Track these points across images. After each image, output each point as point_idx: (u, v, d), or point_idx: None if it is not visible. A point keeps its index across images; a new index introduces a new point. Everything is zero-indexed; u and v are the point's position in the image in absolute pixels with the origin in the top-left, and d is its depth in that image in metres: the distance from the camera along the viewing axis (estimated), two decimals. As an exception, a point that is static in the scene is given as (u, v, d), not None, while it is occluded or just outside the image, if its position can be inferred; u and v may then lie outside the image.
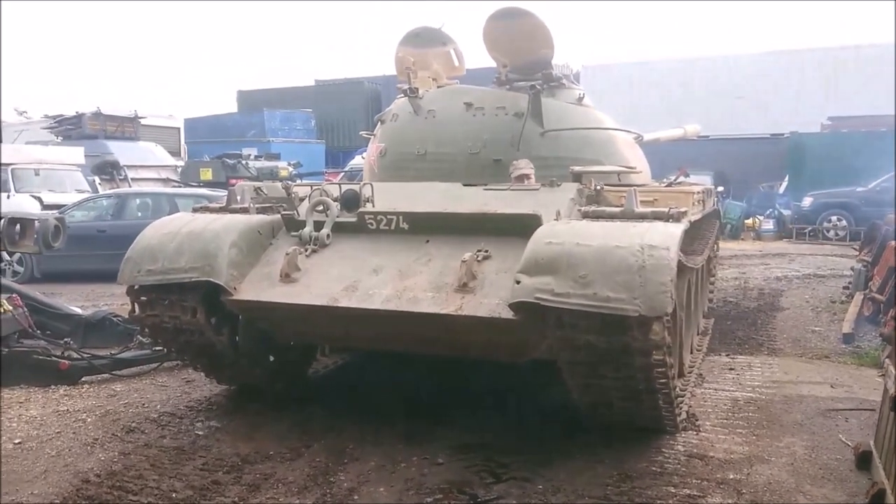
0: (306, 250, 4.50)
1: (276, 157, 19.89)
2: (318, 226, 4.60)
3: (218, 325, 4.65)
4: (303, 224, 4.62)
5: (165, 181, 17.74)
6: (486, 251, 4.14)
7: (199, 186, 15.22)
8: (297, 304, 4.27)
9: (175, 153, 21.30)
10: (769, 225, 18.36)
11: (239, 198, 5.25)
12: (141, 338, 6.24)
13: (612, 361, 3.77)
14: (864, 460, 4.00)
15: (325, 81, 31.62)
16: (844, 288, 9.40)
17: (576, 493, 3.74)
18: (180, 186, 15.87)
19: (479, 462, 4.15)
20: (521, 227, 4.10)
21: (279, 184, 5.64)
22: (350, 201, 4.69)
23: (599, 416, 4.31)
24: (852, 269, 9.64)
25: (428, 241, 4.38)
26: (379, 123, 6.43)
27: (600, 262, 3.61)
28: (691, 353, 6.04)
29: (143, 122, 20.52)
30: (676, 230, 3.87)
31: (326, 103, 28.15)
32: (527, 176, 5.21)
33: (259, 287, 4.41)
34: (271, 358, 5.22)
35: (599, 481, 3.87)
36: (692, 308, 6.01)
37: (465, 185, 5.03)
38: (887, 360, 4.20)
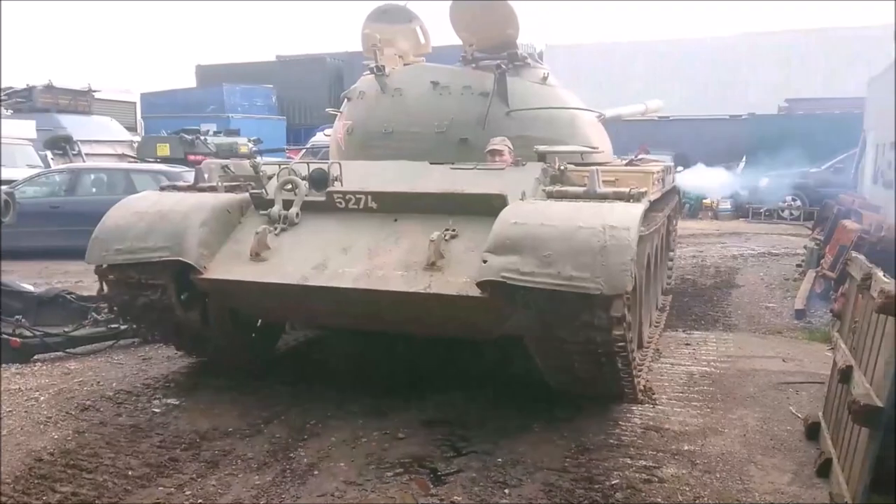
0: (276, 229, 4.54)
1: (236, 133, 19.55)
2: (287, 204, 4.62)
3: (188, 302, 4.67)
4: (272, 203, 4.64)
5: (121, 157, 17.31)
6: (454, 230, 4.22)
7: (157, 162, 14.88)
8: (268, 282, 4.30)
9: (131, 128, 20.77)
10: (726, 205, 18.65)
11: (206, 176, 5.27)
12: (95, 315, 6.12)
13: (576, 336, 3.86)
14: (813, 431, 4.13)
15: (286, 57, 31.10)
16: (797, 266, 9.63)
17: (535, 466, 3.79)
18: (136, 162, 15.50)
19: (441, 436, 4.19)
20: (487, 206, 4.19)
21: (247, 162, 5.64)
22: (318, 180, 4.72)
23: (564, 387, 4.45)
24: (805, 247, 9.88)
25: (396, 220, 4.44)
26: (346, 101, 6.41)
27: (564, 243, 3.72)
28: (650, 326, 6.20)
29: (97, 95, 19.92)
30: (636, 211, 3.99)
31: (288, 79, 27.69)
32: (499, 152, 5.27)
33: (229, 265, 4.44)
34: (242, 333, 5.24)
35: (558, 453, 3.93)
36: (651, 282, 6.15)
37: (431, 163, 5.08)
38: (836, 335, 4.32)
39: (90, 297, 6.67)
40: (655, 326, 6.44)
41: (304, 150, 14.23)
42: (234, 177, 5.36)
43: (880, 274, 3.36)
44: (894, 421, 3.17)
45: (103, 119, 19.14)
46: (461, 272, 4.01)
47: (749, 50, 24.53)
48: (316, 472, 3.74)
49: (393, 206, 4.50)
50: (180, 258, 4.35)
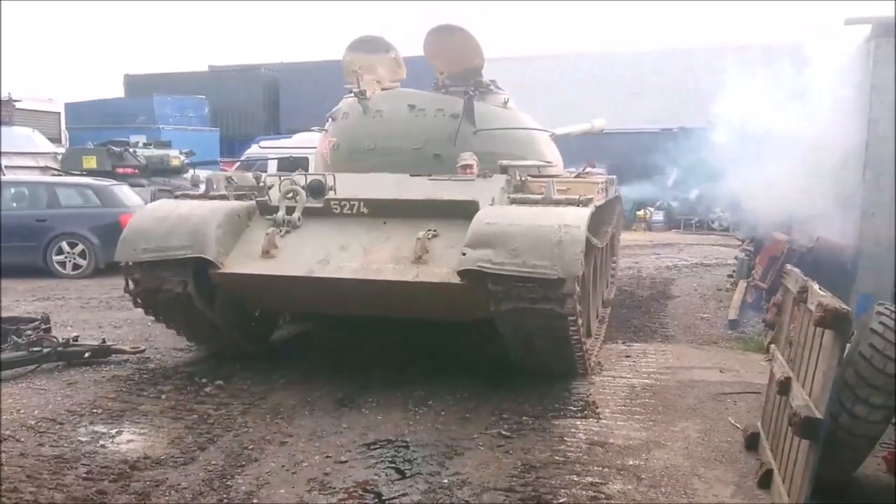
0: (281, 231, 5.29)
1: (167, 145, 18.94)
2: (290, 210, 5.38)
3: (201, 296, 5.29)
4: (276, 209, 5.40)
5: (44, 169, 16.57)
6: (435, 231, 5.01)
7: (83, 175, 14.28)
8: (279, 275, 5.05)
9: (55, 140, 19.91)
10: (659, 216, 19.11)
11: (215, 186, 6.02)
12: (16, 338, 5.79)
13: (537, 311, 4.66)
14: (752, 441, 4.20)
15: (219, 67, 30.48)
16: (729, 276, 9.89)
17: (482, 486, 3.72)
18: (61, 175, 14.85)
19: (385, 458, 4.08)
20: (462, 210, 5.02)
21: (249, 174, 6.54)
22: (316, 189, 5.49)
23: (525, 363, 5.25)
24: (736, 258, 10.16)
25: (385, 223, 5.24)
26: (330, 120, 7.13)
27: (528, 238, 4.60)
28: (597, 318, 7.01)
29: (18, 105, 19.08)
30: (585, 213, 4.91)
31: (221, 90, 27.03)
32: (469, 167, 6.04)
33: (243, 262, 5.18)
34: (243, 322, 5.87)
35: (504, 473, 3.88)
36: (598, 281, 7.01)
37: (411, 175, 5.73)
38: (773, 346, 4.41)
39: (9, 319, 6.32)
40: (595, 338, 6.53)
41: (238, 163, 13.92)
42: (237, 186, 6.07)
43: (816, 287, 3.43)
44: (833, 431, 3.24)
45: (24, 130, 18.28)
46: (443, 264, 4.82)
47: (680, 64, 25.21)
48: (255, 501, 3.59)
49: (382, 211, 5.28)
50: (202, 255, 5.06)
